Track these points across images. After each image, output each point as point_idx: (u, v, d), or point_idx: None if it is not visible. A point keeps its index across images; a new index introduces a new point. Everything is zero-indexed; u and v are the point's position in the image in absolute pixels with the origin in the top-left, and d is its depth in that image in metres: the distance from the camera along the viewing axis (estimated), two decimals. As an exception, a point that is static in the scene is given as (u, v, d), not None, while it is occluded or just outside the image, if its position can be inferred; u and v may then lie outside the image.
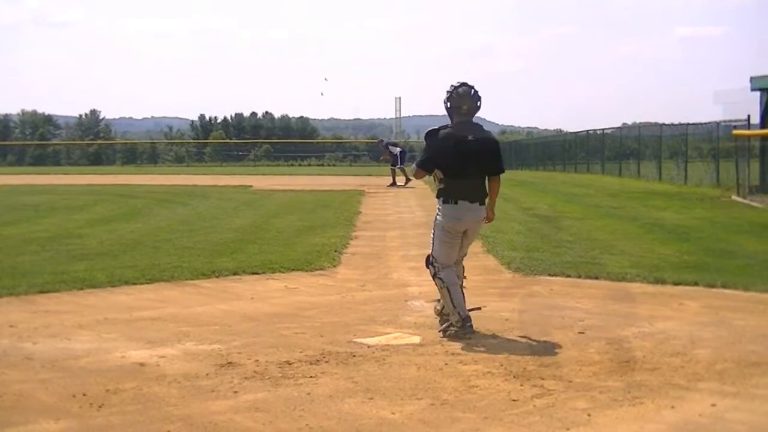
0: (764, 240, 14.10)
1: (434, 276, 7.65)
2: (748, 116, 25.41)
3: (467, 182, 7.55)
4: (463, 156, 7.50)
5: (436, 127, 7.80)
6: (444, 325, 7.55)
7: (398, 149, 32.06)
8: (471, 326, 7.37)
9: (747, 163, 23.89)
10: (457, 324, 7.37)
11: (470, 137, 7.55)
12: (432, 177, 7.85)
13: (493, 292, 9.60)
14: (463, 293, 7.62)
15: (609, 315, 8.20)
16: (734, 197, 22.81)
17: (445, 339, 7.33)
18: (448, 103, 7.62)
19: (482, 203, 7.65)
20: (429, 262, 7.73)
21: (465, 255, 8.00)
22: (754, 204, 21.02)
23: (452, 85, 7.64)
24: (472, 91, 7.61)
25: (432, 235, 7.74)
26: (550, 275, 10.60)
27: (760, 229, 15.79)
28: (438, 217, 7.67)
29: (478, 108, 7.65)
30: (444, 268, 7.59)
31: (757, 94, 25.12)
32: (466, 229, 7.66)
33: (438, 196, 7.71)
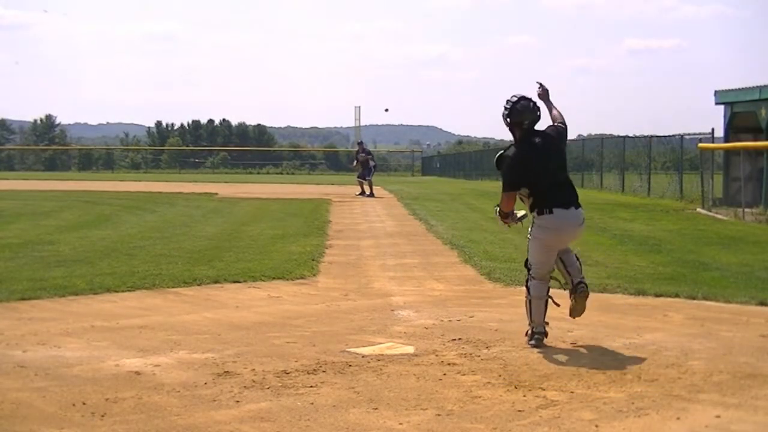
0: (734, 252, 14.28)
1: (526, 282, 7.59)
2: (712, 129, 25.80)
3: (555, 186, 7.39)
4: (542, 163, 7.31)
5: (504, 150, 7.56)
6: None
7: (373, 162, 32.47)
8: (540, 339, 7.39)
9: (711, 176, 24.19)
10: (527, 335, 7.48)
11: (537, 140, 7.37)
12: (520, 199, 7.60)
13: (476, 303, 9.65)
14: (546, 306, 7.50)
15: (596, 326, 8.20)
16: (699, 209, 23.08)
17: (439, 349, 7.34)
18: (509, 119, 7.36)
19: (577, 206, 7.45)
20: (527, 265, 7.64)
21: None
22: (719, 216, 21.32)
23: (509, 101, 7.35)
24: (531, 104, 7.39)
25: (528, 244, 7.67)
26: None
27: (729, 241, 15.99)
28: (534, 231, 7.54)
29: (539, 118, 7.42)
30: (535, 279, 7.48)
31: (721, 107, 25.47)
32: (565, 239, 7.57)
33: (531, 210, 7.52)
